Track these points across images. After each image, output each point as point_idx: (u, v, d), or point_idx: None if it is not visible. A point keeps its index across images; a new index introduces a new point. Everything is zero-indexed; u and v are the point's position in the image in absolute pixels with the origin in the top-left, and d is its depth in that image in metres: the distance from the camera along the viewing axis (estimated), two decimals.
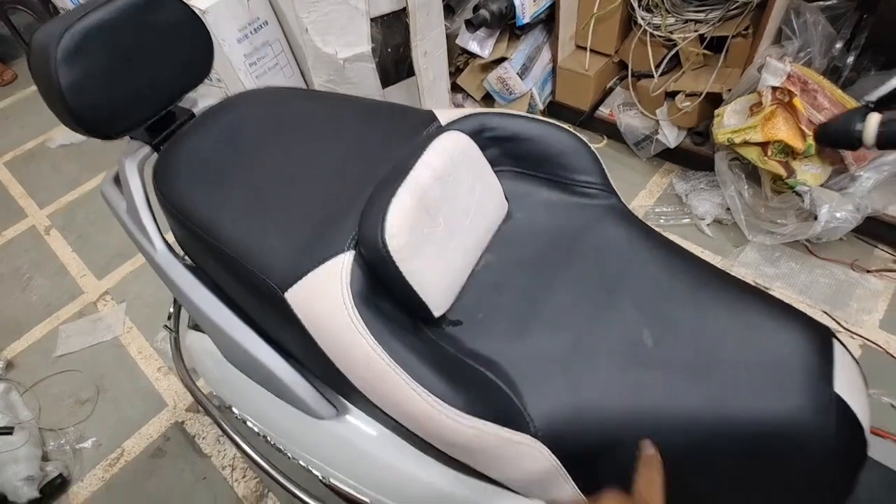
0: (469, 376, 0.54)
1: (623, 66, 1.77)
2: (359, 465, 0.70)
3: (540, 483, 0.54)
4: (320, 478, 0.76)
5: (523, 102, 1.88)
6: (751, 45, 1.44)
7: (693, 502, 0.52)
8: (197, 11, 0.71)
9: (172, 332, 0.95)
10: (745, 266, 1.49)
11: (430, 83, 1.67)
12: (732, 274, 0.61)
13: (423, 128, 0.69)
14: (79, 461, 1.40)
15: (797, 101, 1.28)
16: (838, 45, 1.36)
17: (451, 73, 1.86)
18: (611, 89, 1.86)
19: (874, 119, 0.51)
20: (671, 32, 1.55)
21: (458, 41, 1.79)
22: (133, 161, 0.71)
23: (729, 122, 1.42)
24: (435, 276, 0.56)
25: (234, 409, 0.87)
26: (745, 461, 0.52)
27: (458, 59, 1.92)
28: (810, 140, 1.28)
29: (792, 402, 0.50)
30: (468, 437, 0.50)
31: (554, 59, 1.83)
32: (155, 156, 0.73)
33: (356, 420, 0.68)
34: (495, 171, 0.68)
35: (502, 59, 1.79)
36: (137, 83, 0.67)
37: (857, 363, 0.56)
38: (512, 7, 1.65)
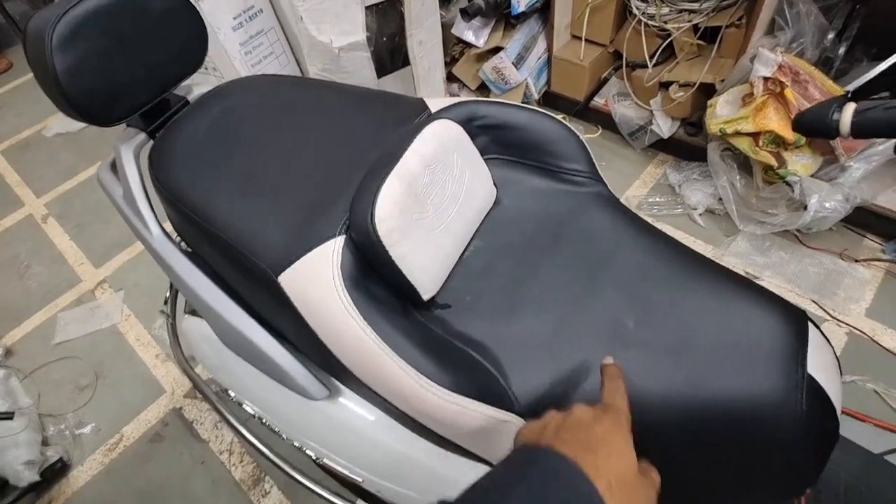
0: (456, 357, 0.56)
1: (618, 56, 1.77)
2: (351, 445, 0.72)
3: None
4: (314, 458, 0.78)
5: (518, 92, 1.88)
6: (744, 36, 1.45)
7: (669, 478, 0.54)
8: None
9: (169, 316, 0.96)
10: (736, 255, 1.51)
11: (425, 72, 1.67)
12: (718, 262, 0.63)
13: (413, 116, 0.70)
14: (78, 446, 1.42)
15: (788, 92, 1.29)
16: (830, 36, 1.37)
17: (446, 63, 1.87)
18: (606, 79, 1.87)
19: (849, 109, 0.52)
20: (665, 22, 1.55)
21: (453, 30, 1.79)
22: (129, 148, 0.72)
23: (721, 112, 1.43)
24: (424, 260, 0.58)
25: (231, 393, 0.89)
26: (720, 438, 0.54)
27: (454, 49, 1.92)
28: None
29: (765, 382, 0.51)
30: (454, 413, 0.52)
31: (549, 49, 1.84)
32: (150, 143, 0.74)
33: (348, 401, 0.70)
34: (485, 159, 0.69)
35: (498, 49, 1.79)
36: (132, 70, 0.67)
37: (831, 346, 0.58)
38: None
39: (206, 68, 1.69)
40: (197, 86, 0.81)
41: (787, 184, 1.38)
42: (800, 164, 1.37)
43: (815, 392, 0.51)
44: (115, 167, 0.75)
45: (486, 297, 0.62)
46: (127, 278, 1.79)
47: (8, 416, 1.29)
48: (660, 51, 1.62)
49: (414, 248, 0.57)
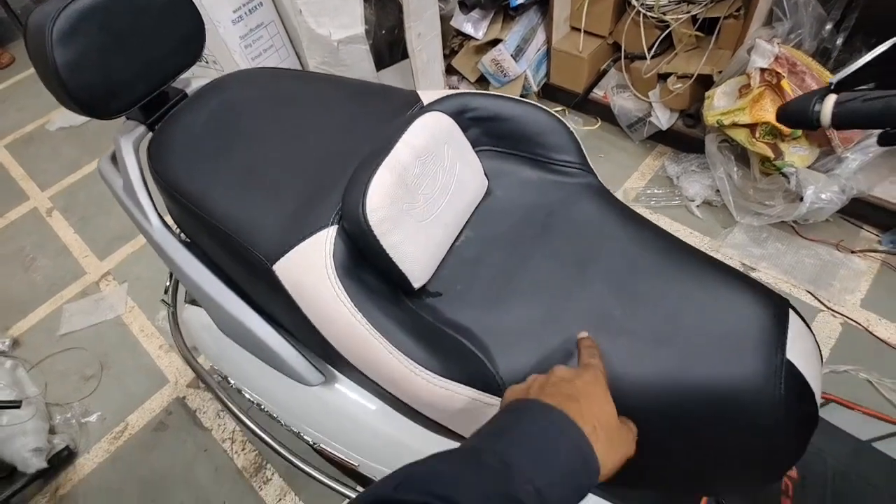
0: (446, 343, 0.57)
1: (617, 47, 1.77)
2: (346, 430, 0.74)
3: None
4: (311, 443, 0.80)
5: (518, 84, 1.89)
6: (742, 27, 1.45)
7: (654, 462, 0.56)
8: None
9: (170, 306, 0.98)
10: (733, 247, 1.51)
11: (424, 65, 1.68)
12: (706, 252, 0.64)
13: (406, 108, 0.72)
14: (84, 434, 1.46)
15: (785, 83, 1.29)
16: (828, 26, 1.37)
17: (445, 56, 1.87)
18: (605, 71, 1.87)
19: (830, 100, 0.53)
20: (664, 13, 1.55)
21: (452, 23, 1.79)
22: (129, 140, 0.74)
23: (718, 103, 1.43)
24: (414, 250, 0.59)
25: (231, 380, 0.91)
26: (703, 423, 0.55)
27: (453, 41, 1.92)
28: None
29: (745, 368, 0.53)
30: (443, 397, 0.53)
31: (548, 41, 1.84)
32: (150, 135, 0.76)
33: (343, 387, 0.72)
34: (477, 151, 0.70)
35: (496, 41, 1.80)
36: (131, 63, 0.69)
37: (812, 333, 0.59)
38: None
39: (207, 61, 1.71)
40: (196, 79, 0.82)
41: (784, 175, 1.38)
42: (796, 155, 1.37)
43: (794, 377, 0.53)
44: (115, 159, 0.77)
45: (476, 286, 0.64)
46: (130, 271, 1.82)
47: (16, 404, 1.32)
48: (658, 42, 1.62)
49: (404, 237, 0.58)
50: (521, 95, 1.92)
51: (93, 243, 1.93)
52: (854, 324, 1.32)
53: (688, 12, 1.52)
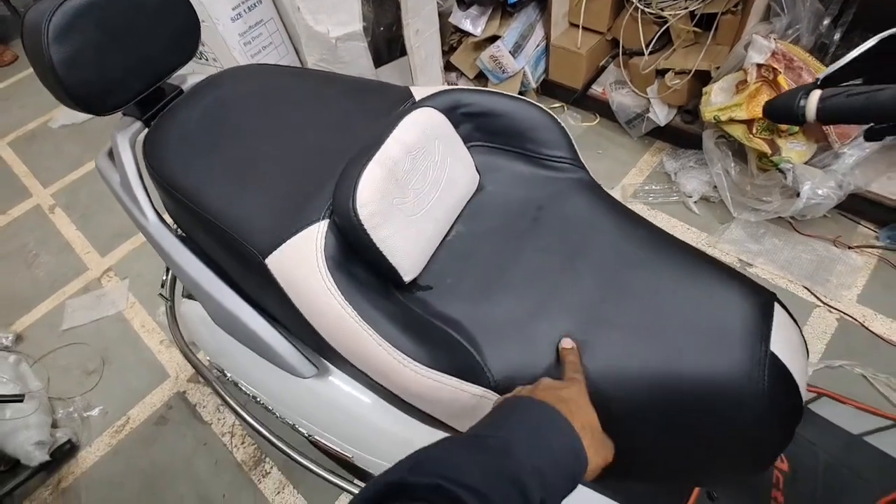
0: (435, 335, 0.58)
1: (615, 43, 1.77)
2: (339, 422, 0.75)
3: None
4: (306, 435, 0.81)
5: (516, 81, 1.89)
6: (740, 22, 1.45)
7: (640, 452, 0.57)
8: None
9: (167, 300, 0.99)
10: (730, 243, 1.52)
11: (422, 62, 1.68)
12: (695, 246, 0.64)
13: (399, 104, 0.72)
14: (87, 428, 1.47)
15: (782, 79, 1.29)
16: (826, 22, 1.36)
17: (444, 52, 1.87)
18: (603, 67, 1.87)
19: (815, 96, 0.53)
20: (662, 9, 1.55)
21: (450, 19, 1.79)
22: (125, 136, 0.75)
23: (716, 99, 1.43)
24: (405, 244, 0.60)
25: (228, 373, 0.92)
26: (690, 414, 0.56)
27: (451, 38, 1.92)
28: None
29: (730, 360, 0.54)
30: (431, 389, 0.54)
31: (547, 37, 1.84)
32: (146, 130, 0.77)
33: (336, 379, 0.73)
34: (469, 146, 0.71)
35: (495, 38, 1.80)
36: (127, 59, 0.70)
37: (798, 326, 0.60)
38: None
39: (206, 59, 1.72)
40: (192, 75, 0.83)
41: (781, 171, 1.38)
42: (793, 151, 1.37)
43: (778, 369, 0.53)
44: (112, 155, 0.78)
45: (466, 280, 0.64)
46: (131, 267, 1.83)
47: (19, 398, 1.33)
48: (656, 38, 1.62)
49: (395, 231, 0.59)
50: (520, 92, 1.92)
51: (94, 240, 1.95)
52: (850, 319, 1.32)
53: (686, 8, 1.51)
